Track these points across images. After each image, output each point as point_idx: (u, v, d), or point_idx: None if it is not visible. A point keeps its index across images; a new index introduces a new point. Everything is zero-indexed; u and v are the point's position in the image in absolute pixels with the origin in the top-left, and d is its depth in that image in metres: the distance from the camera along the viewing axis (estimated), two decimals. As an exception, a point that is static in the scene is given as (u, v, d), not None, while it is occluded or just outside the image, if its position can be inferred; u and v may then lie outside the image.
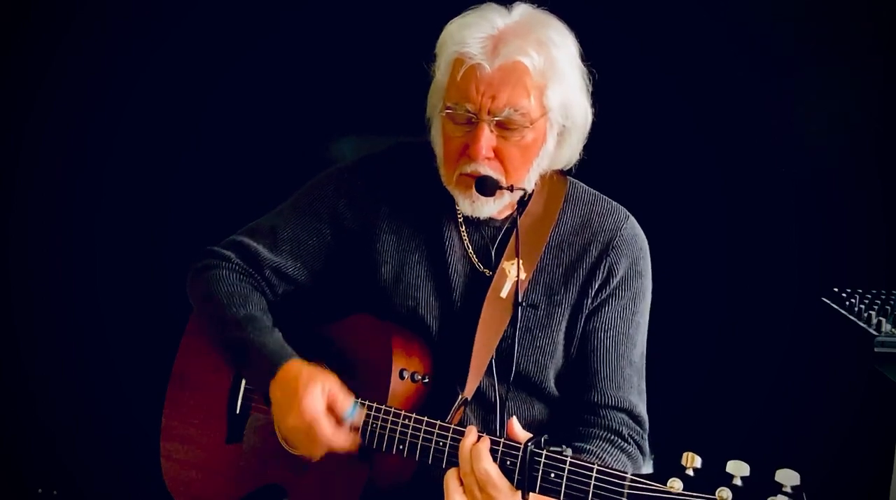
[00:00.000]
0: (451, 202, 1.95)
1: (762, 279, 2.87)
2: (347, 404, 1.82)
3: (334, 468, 1.85)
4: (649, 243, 2.01)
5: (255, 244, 2.02)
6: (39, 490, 3.12)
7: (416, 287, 1.95)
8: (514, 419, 1.70)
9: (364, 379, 1.88)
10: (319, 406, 1.81)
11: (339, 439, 1.82)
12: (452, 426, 1.74)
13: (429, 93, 1.92)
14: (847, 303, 2.53)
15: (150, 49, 2.91)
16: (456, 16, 1.89)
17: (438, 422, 1.75)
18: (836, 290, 2.61)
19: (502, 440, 1.67)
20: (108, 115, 2.97)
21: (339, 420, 1.82)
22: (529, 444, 1.64)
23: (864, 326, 2.40)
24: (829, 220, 2.83)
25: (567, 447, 1.64)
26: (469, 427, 1.71)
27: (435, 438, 1.74)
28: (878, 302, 2.50)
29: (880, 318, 2.38)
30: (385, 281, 1.96)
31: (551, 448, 1.63)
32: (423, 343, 1.93)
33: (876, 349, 2.34)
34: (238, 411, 2.02)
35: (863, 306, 2.47)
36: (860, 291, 2.59)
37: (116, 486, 3.05)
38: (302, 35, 2.91)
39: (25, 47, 2.93)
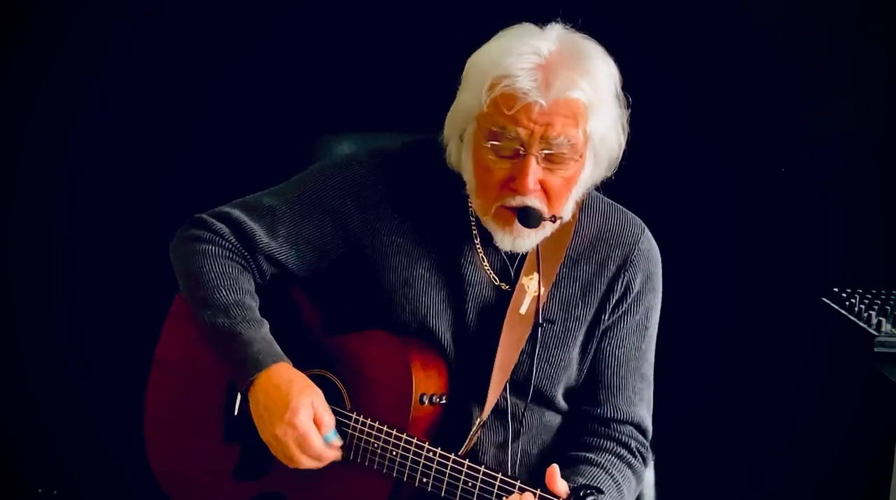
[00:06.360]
0: (466, 209, 1.91)
1: (762, 279, 2.87)
2: (331, 425, 1.82)
3: (348, 485, 1.84)
4: (650, 243, 2.01)
5: (251, 224, 1.94)
6: (39, 490, 3.11)
7: (427, 295, 1.89)
8: (556, 468, 1.68)
9: (381, 402, 1.84)
10: (311, 420, 1.79)
11: (329, 453, 1.81)
12: (467, 462, 1.75)
13: (451, 111, 1.85)
14: (847, 303, 2.53)
15: (150, 49, 2.91)
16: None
17: (452, 456, 1.75)
18: (836, 290, 2.61)
19: (538, 491, 1.67)
20: (108, 115, 2.96)
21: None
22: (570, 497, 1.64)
23: (864, 326, 2.40)
24: (829, 220, 2.82)
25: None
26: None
27: (448, 472, 1.75)
28: (878, 302, 2.50)
29: (880, 318, 2.38)
30: (392, 287, 1.90)
31: None
32: (440, 358, 1.89)
33: (876, 349, 2.34)
34: (237, 413, 1.97)
35: (863, 306, 2.47)
36: (860, 291, 2.59)
37: (116, 486, 3.05)
38: (301, 35, 2.91)
39: (25, 47, 2.93)
